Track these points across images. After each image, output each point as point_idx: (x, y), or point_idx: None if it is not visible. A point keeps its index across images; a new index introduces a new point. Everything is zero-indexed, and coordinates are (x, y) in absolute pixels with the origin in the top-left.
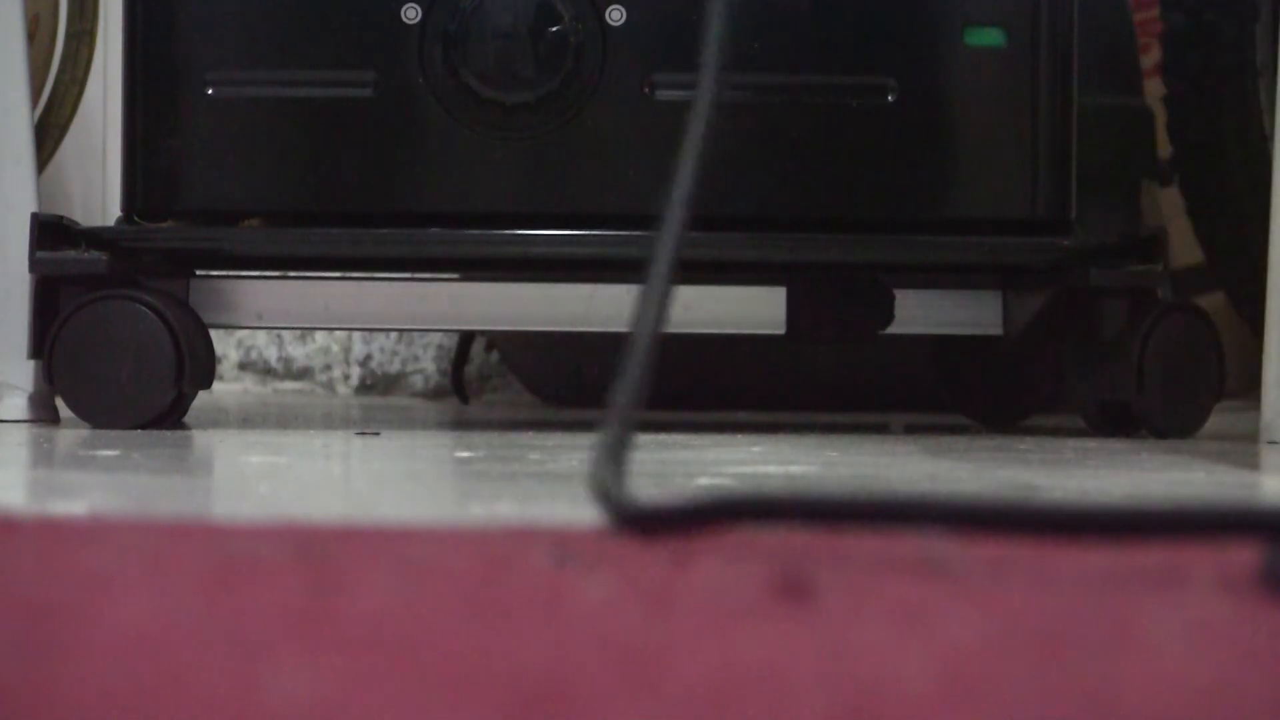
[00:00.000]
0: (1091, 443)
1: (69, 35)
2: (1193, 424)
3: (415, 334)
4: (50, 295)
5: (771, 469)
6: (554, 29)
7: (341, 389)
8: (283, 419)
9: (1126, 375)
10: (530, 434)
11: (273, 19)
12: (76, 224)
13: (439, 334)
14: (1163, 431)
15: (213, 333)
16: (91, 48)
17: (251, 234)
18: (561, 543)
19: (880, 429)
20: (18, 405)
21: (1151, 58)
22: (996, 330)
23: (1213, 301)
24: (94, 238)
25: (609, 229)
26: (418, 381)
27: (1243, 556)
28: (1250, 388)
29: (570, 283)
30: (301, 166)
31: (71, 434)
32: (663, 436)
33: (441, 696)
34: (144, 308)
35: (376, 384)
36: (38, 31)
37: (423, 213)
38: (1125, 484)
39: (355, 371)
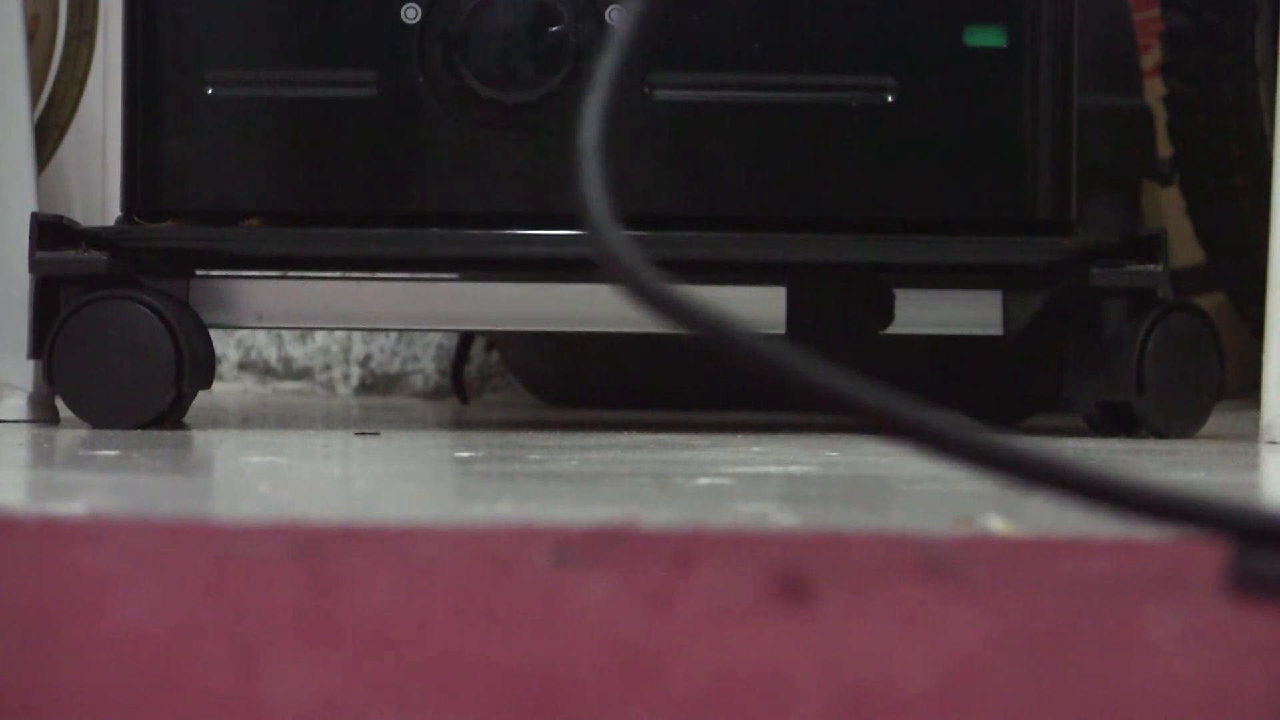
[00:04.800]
0: (1091, 443)
1: (69, 35)
2: (1193, 424)
3: (415, 334)
4: (50, 295)
5: (771, 469)
6: (554, 29)
7: (341, 389)
8: (283, 419)
9: (1126, 375)
10: (530, 434)
11: (273, 19)
12: (76, 224)
13: (439, 334)
14: (1163, 431)
15: (213, 333)
16: (91, 48)
17: (251, 234)
18: (561, 543)
19: None
20: (18, 405)
21: (1151, 58)
22: (996, 330)
23: (1213, 301)
24: (94, 238)
25: None
26: (418, 381)
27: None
28: (1250, 388)
29: (570, 283)
30: (301, 166)
31: (71, 434)
32: (663, 436)
33: (441, 696)
34: (144, 308)
35: (376, 384)
36: (38, 31)
37: (423, 213)
38: None
39: (355, 371)
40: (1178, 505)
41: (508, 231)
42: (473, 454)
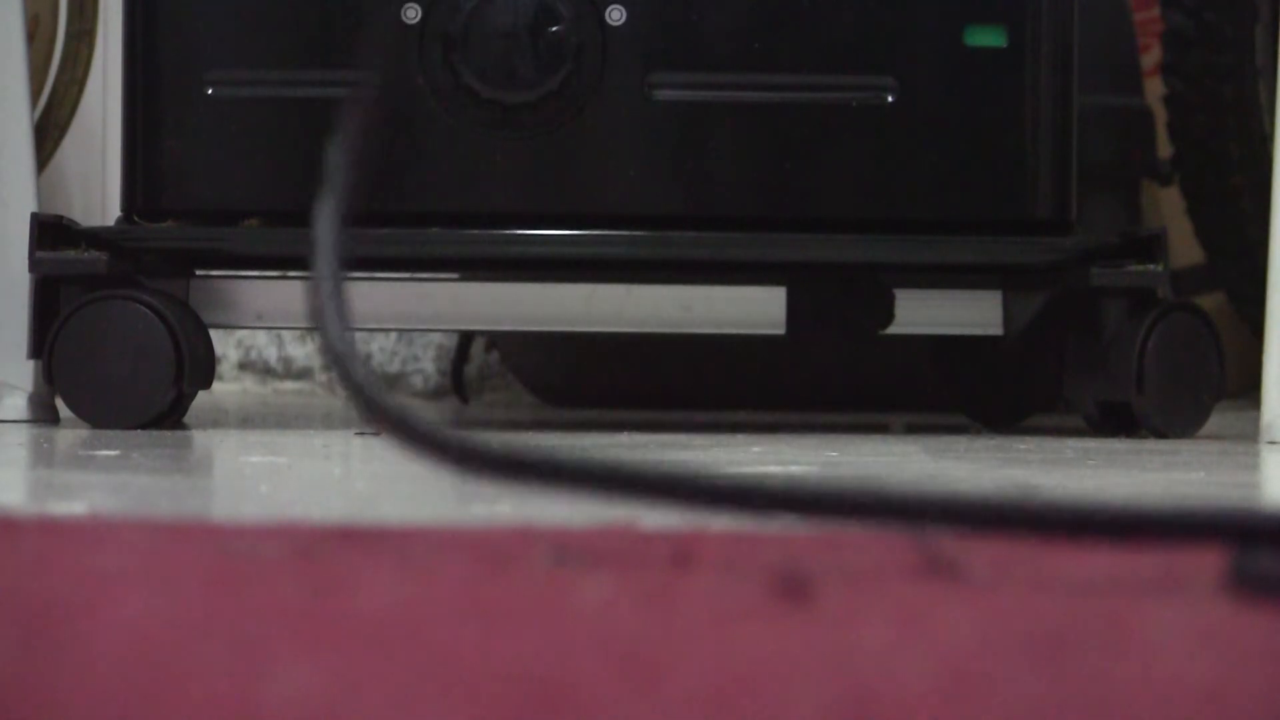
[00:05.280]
0: (1091, 443)
1: (69, 35)
2: (1193, 424)
3: (415, 334)
4: (50, 295)
5: (771, 469)
6: (554, 29)
7: (341, 389)
8: (283, 419)
9: (1126, 375)
10: (530, 434)
11: (273, 19)
12: (76, 224)
13: (439, 334)
14: (1163, 431)
15: (213, 333)
16: (91, 48)
17: (251, 234)
18: (561, 543)
19: (880, 429)
20: (18, 405)
21: (1151, 58)
22: (996, 330)
23: (1213, 301)
24: (94, 238)
25: (609, 229)
26: (418, 381)
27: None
28: (1250, 388)
29: (570, 283)
30: (301, 166)
31: (71, 434)
32: (663, 436)
33: (441, 696)
34: (144, 308)
35: None
36: (38, 31)
37: (423, 213)
38: (1125, 484)
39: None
40: (1176, 516)
41: (508, 231)
42: None
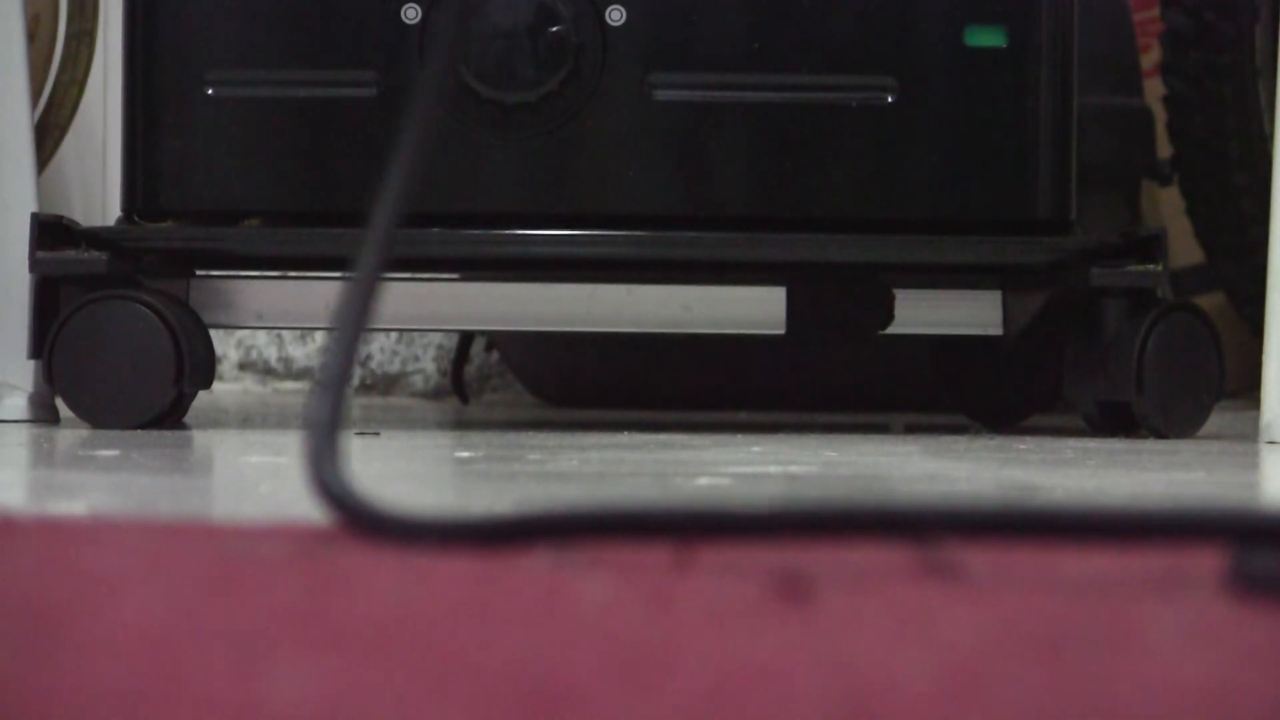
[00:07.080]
0: (1091, 443)
1: (69, 35)
2: (1193, 424)
3: (415, 334)
4: (50, 295)
5: (771, 469)
6: (554, 29)
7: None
8: (283, 419)
9: (1126, 375)
10: (530, 434)
11: (273, 19)
12: (76, 224)
13: (439, 334)
14: (1163, 431)
15: (213, 333)
16: (91, 48)
17: (251, 234)
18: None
19: (880, 429)
20: (18, 405)
21: (1151, 58)
22: (996, 330)
23: (1213, 301)
24: (94, 238)
25: (609, 229)
26: (418, 381)
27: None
28: (1250, 388)
29: (570, 283)
30: (301, 166)
31: (71, 434)
32: (663, 436)
33: (441, 696)
34: (144, 308)
35: (376, 384)
36: (38, 31)
37: (423, 213)
38: (1125, 484)
39: (355, 371)
40: (1176, 516)
41: (508, 231)
42: (473, 454)
